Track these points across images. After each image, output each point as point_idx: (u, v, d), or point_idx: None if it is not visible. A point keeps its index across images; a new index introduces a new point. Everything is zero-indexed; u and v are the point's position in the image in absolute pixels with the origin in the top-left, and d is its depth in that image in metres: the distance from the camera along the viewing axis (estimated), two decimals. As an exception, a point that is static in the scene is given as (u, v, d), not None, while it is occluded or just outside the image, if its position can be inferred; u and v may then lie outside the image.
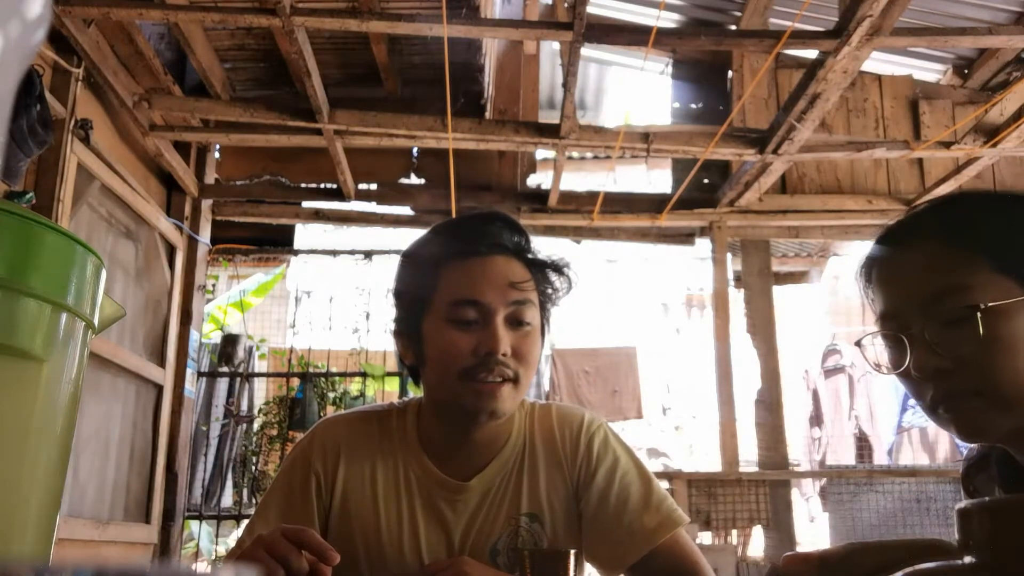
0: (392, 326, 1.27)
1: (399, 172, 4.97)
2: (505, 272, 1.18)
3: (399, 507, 1.21)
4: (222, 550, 5.28)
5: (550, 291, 1.24)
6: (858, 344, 0.94)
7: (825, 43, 3.20)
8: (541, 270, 1.23)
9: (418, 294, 1.21)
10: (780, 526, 4.59)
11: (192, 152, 4.67)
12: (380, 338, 5.38)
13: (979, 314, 0.82)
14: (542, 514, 1.23)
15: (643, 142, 4.06)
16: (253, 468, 5.27)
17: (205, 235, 4.75)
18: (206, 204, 4.75)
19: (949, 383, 0.85)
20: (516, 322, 1.17)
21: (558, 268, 1.25)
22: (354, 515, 1.22)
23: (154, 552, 4.20)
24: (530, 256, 1.23)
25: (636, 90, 5.89)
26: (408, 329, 1.23)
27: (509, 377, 1.15)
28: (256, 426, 5.40)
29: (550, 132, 4.00)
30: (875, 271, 0.93)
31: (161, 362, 4.30)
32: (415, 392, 1.44)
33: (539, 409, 1.30)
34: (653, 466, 9.88)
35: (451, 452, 1.23)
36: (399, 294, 1.26)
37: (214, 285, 5.61)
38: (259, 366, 5.96)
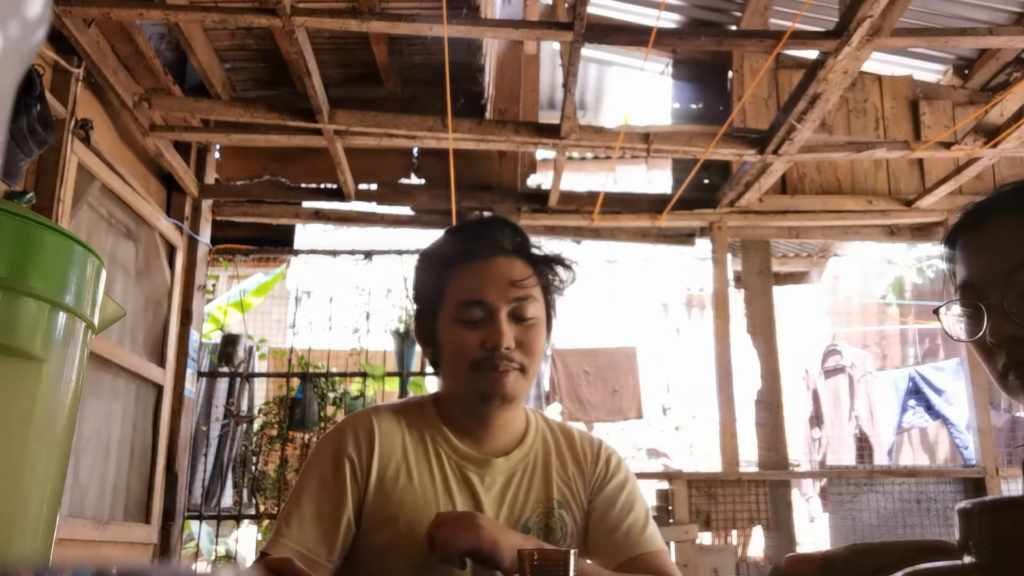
0: (413, 327, 1.41)
1: (399, 172, 4.97)
2: (506, 272, 1.28)
3: (432, 476, 1.29)
4: (222, 550, 5.28)
5: (553, 283, 1.34)
6: (936, 312, 0.98)
7: (825, 43, 3.20)
8: (542, 265, 1.32)
9: (430, 298, 1.33)
10: (780, 526, 4.58)
11: (192, 152, 4.67)
12: (380, 338, 5.37)
13: None
14: (567, 503, 1.33)
15: (643, 142, 4.06)
16: (253, 468, 5.27)
17: (205, 235, 4.75)
18: (206, 204, 4.75)
19: (1022, 351, 0.88)
20: (519, 317, 1.28)
21: (558, 261, 1.34)
22: (390, 488, 1.27)
23: (154, 552, 4.20)
24: (530, 253, 1.32)
25: (636, 90, 5.88)
26: (425, 330, 1.35)
27: (515, 367, 1.26)
28: (256, 426, 5.40)
29: (550, 132, 4.00)
30: (960, 241, 0.97)
31: (161, 362, 4.30)
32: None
33: (552, 420, 1.43)
34: (653, 466, 9.89)
35: (474, 433, 1.33)
36: (416, 299, 1.38)
37: (214, 285, 5.61)
38: (259, 366, 5.96)
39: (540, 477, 1.33)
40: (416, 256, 1.40)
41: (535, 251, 1.33)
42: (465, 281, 1.28)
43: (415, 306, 1.38)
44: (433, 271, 1.33)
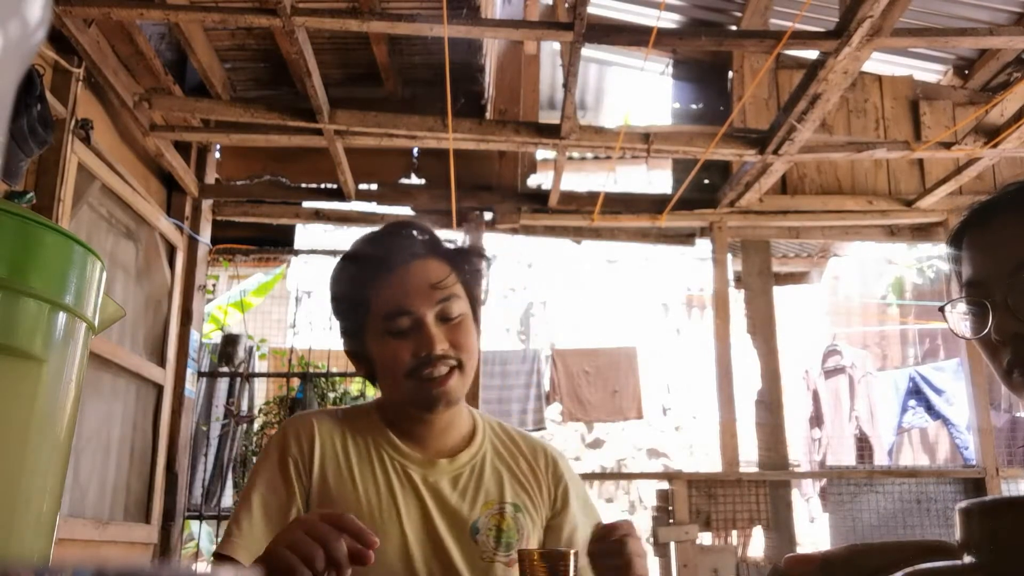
0: (342, 346, 1.38)
1: (399, 172, 4.97)
2: (424, 276, 1.28)
3: (375, 478, 1.28)
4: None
5: (472, 277, 1.35)
6: (941, 310, 0.98)
7: (825, 43, 3.20)
8: (458, 260, 1.33)
9: (354, 315, 1.32)
10: (780, 527, 4.58)
11: (192, 152, 4.67)
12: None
13: None
14: (524, 508, 1.32)
15: (643, 142, 4.06)
16: (253, 468, 5.26)
17: (205, 235, 4.75)
18: (206, 204, 4.75)
19: None
20: (445, 318, 1.28)
21: (472, 253, 1.36)
22: (334, 491, 1.27)
23: (154, 552, 4.20)
24: (444, 251, 1.33)
25: (636, 90, 5.88)
26: (355, 347, 1.34)
27: (453, 366, 1.26)
28: (256, 426, 5.40)
29: (550, 132, 4.00)
30: (966, 239, 0.97)
31: (161, 362, 4.29)
32: None
33: (495, 421, 1.43)
34: (653, 466, 9.89)
35: (418, 436, 1.32)
36: (337, 316, 1.36)
37: (214, 285, 5.61)
38: (259, 366, 5.96)
39: (491, 479, 1.32)
40: (332, 274, 1.37)
41: (449, 248, 1.34)
42: (386, 293, 1.27)
43: (339, 324, 1.37)
44: (351, 288, 1.32)
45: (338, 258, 1.38)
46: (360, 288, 1.30)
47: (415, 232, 1.32)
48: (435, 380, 1.24)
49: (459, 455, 1.32)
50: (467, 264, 1.34)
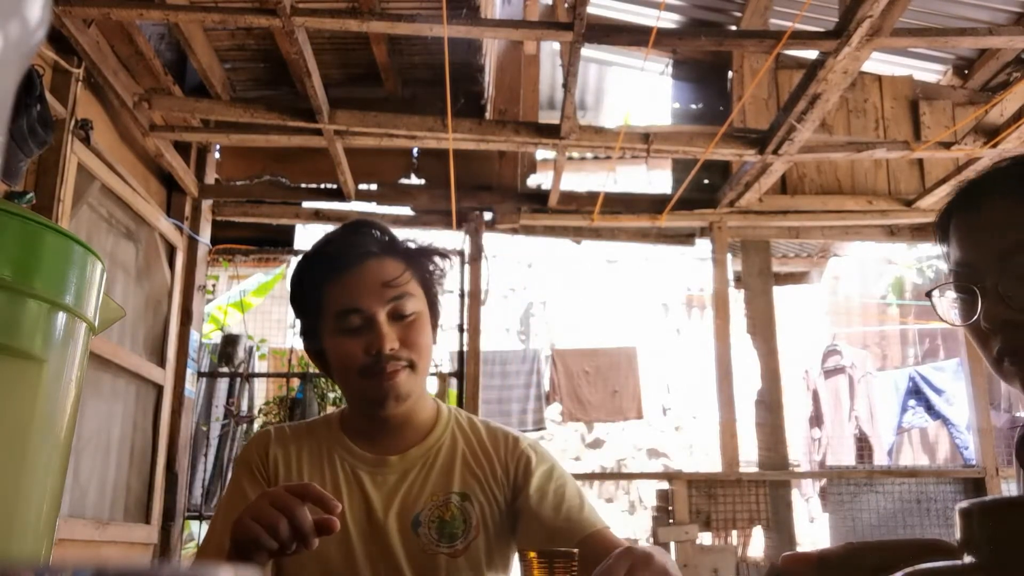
0: (302, 345, 1.41)
1: (399, 172, 4.97)
2: (377, 275, 1.29)
3: (323, 479, 1.32)
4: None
5: (431, 275, 1.36)
6: (928, 295, 0.94)
7: (825, 43, 3.20)
8: (416, 259, 1.34)
9: (310, 314, 1.34)
10: (780, 526, 4.58)
11: (192, 152, 4.67)
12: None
13: None
14: (473, 495, 1.32)
15: (643, 142, 4.06)
16: (253, 468, 5.25)
17: (205, 235, 4.75)
18: (206, 204, 4.75)
19: (1017, 336, 0.85)
20: (398, 316, 1.29)
21: (431, 252, 1.36)
22: None
23: (154, 552, 4.20)
24: (400, 250, 1.33)
25: (636, 90, 5.88)
26: (312, 345, 1.37)
27: (403, 365, 1.28)
28: (256, 426, 5.39)
29: (550, 132, 4.00)
30: (954, 223, 0.93)
31: (161, 362, 4.30)
32: None
33: (465, 416, 1.43)
34: (653, 466, 9.90)
35: (371, 436, 1.34)
36: (297, 315, 1.39)
37: (214, 285, 5.61)
38: (259, 366, 5.96)
39: (440, 471, 1.32)
40: (292, 273, 1.39)
41: (406, 246, 1.34)
42: (339, 292, 1.29)
43: (298, 323, 1.39)
44: (308, 287, 1.34)
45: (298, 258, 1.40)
46: (315, 287, 1.31)
47: (371, 231, 1.33)
48: (384, 374, 1.26)
49: (411, 450, 1.33)
50: (425, 263, 1.35)
